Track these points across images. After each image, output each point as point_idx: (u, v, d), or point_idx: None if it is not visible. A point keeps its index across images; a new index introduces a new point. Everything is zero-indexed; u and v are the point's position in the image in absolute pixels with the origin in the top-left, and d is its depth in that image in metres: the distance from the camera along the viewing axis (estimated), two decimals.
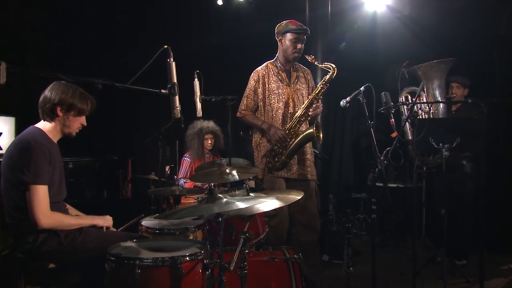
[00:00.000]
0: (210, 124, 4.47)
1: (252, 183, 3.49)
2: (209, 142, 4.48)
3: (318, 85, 3.31)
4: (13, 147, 2.28)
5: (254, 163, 3.43)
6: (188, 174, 4.41)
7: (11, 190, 2.23)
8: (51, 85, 2.35)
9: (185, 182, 4.30)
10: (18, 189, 2.21)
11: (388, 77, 4.07)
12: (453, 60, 4.16)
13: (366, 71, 5.36)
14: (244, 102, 3.44)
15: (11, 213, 2.26)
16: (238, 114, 3.46)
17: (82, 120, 2.44)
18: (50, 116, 2.35)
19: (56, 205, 2.34)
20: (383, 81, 4.07)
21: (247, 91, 3.43)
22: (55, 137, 2.41)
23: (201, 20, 5.85)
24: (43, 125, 2.38)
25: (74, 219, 2.37)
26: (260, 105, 3.40)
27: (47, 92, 2.34)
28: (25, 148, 2.21)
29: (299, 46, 3.33)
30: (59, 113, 2.35)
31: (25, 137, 2.28)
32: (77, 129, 2.45)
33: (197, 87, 2.53)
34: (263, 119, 3.38)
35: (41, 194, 2.19)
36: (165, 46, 2.05)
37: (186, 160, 4.48)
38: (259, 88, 3.38)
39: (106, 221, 2.53)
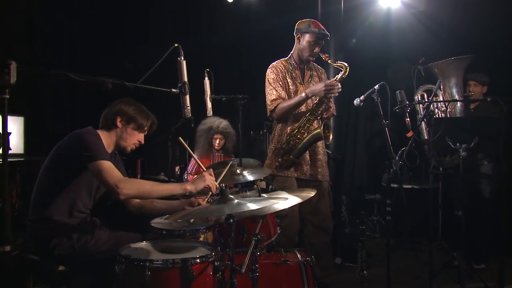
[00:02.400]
0: (222, 124, 4.38)
1: (263, 184, 3.49)
2: (218, 142, 4.44)
3: None
4: (66, 139, 2.31)
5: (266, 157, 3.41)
6: (193, 171, 4.42)
7: (48, 183, 2.27)
8: (119, 100, 2.42)
9: (185, 180, 4.30)
10: (59, 183, 2.24)
11: (391, 74, 4.03)
12: (471, 57, 4.11)
13: (381, 69, 5.34)
14: (274, 93, 3.27)
15: (37, 211, 2.28)
16: (269, 108, 3.28)
17: (140, 137, 2.46)
18: (109, 126, 2.39)
19: (82, 215, 2.37)
20: (398, 79, 4.04)
21: (271, 83, 3.30)
22: (109, 147, 2.39)
23: (211, 18, 5.87)
24: (99, 131, 2.40)
25: (157, 184, 2.30)
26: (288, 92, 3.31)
27: (112, 106, 2.40)
28: (81, 136, 2.25)
29: (316, 49, 3.30)
30: (119, 124, 2.38)
31: (81, 130, 2.31)
32: (132, 145, 2.46)
33: (207, 86, 2.54)
34: None
35: (107, 165, 2.17)
36: (176, 45, 2.06)
37: (194, 155, 4.49)
38: (281, 80, 3.30)
39: (200, 183, 2.32)
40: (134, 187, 2.19)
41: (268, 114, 3.34)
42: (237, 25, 5.70)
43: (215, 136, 4.41)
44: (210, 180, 2.33)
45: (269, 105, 3.30)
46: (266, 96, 3.34)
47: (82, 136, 2.25)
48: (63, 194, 2.28)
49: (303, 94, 3.17)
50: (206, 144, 4.40)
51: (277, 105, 3.25)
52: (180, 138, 2.64)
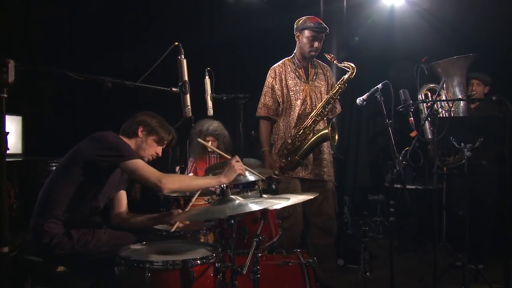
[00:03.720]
0: (213, 126, 4.31)
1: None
2: (210, 144, 4.41)
3: (336, 85, 3.30)
4: (87, 141, 2.34)
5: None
6: (192, 173, 4.42)
7: (63, 183, 2.28)
8: (142, 111, 2.52)
9: None
10: (75, 184, 2.26)
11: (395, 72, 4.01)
12: (474, 56, 4.11)
13: (384, 68, 5.33)
14: (262, 101, 3.44)
15: (44, 210, 2.29)
16: (256, 114, 3.47)
17: (158, 150, 2.53)
18: (130, 134, 2.46)
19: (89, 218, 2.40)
20: (401, 78, 4.04)
21: (265, 89, 3.44)
22: None
23: (212, 16, 5.86)
24: (121, 136, 2.47)
25: (194, 178, 2.43)
26: (280, 102, 3.40)
27: (136, 116, 2.49)
28: (106, 137, 2.29)
29: (316, 44, 3.32)
30: (140, 133, 2.46)
31: (103, 133, 2.35)
32: (150, 156, 2.51)
33: (208, 85, 2.54)
34: (282, 119, 3.39)
35: (141, 164, 2.24)
36: (176, 43, 2.06)
37: (190, 160, 4.49)
38: (276, 85, 3.39)
39: (232, 173, 2.35)
40: (175, 181, 2.27)
41: (256, 115, 3.49)
42: (238, 23, 5.69)
43: (207, 138, 4.38)
44: (239, 167, 2.37)
45: (258, 110, 3.47)
46: (260, 97, 3.48)
47: (107, 138, 2.30)
48: (79, 195, 2.30)
49: (263, 150, 3.40)
50: (198, 148, 4.38)
51: (261, 116, 3.44)
52: (200, 139, 2.87)
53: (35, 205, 2.33)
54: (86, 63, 4.78)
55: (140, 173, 2.21)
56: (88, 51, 4.92)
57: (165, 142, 2.53)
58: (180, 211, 2.60)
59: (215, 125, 4.37)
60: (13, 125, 4.03)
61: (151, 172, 2.22)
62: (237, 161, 2.38)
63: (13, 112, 4.06)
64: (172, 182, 2.23)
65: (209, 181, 2.38)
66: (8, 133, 4.17)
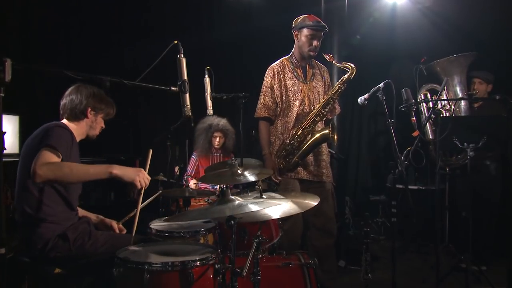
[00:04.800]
0: (222, 122, 4.41)
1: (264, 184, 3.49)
2: (218, 140, 4.44)
3: (335, 85, 3.29)
4: (35, 133, 2.33)
5: None
6: (193, 173, 4.42)
7: (28, 183, 2.25)
8: (75, 87, 2.46)
9: (185, 181, 4.30)
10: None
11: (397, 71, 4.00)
12: (474, 54, 4.10)
13: (386, 66, 5.33)
14: (261, 101, 3.42)
15: (24, 211, 2.27)
16: (255, 114, 3.45)
17: (103, 123, 2.57)
18: (79, 117, 2.46)
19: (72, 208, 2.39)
20: (403, 77, 4.04)
21: (264, 89, 3.42)
22: (78, 137, 2.49)
23: (212, 14, 5.86)
24: (67, 122, 2.46)
25: (79, 166, 2.18)
26: (278, 102, 3.40)
27: (73, 95, 2.45)
28: (49, 128, 2.28)
29: (315, 43, 3.31)
30: (89, 115, 2.47)
31: (48, 124, 2.34)
32: (98, 131, 2.56)
33: (207, 84, 2.54)
34: (280, 119, 3.38)
35: (48, 155, 2.13)
36: (175, 42, 2.05)
37: (193, 158, 4.49)
38: (275, 84, 3.37)
39: (131, 174, 2.20)
40: (50, 169, 2.07)
41: (254, 115, 3.47)
42: (238, 22, 5.70)
43: (215, 134, 4.41)
44: (143, 178, 2.21)
45: (256, 111, 3.44)
46: (259, 97, 3.45)
47: (53, 128, 2.28)
48: (48, 191, 2.28)
49: (264, 153, 3.38)
50: (206, 143, 4.39)
51: (260, 117, 3.41)
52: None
53: (16, 209, 2.31)
54: (85, 62, 4.78)
55: (36, 159, 2.08)
56: (87, 50, 4.92)
57: (111, 116, 2.58)
58: (118, 226, 2.60)
59: (224, 121, 4.42)
60: (10, 125, 4.03)
61: (40, 159, 2.07)
62: (142, 174, 2.23)
63: (10, 112, 4.06)
64: (47, 170, 2.04)
65: (97, 172, 2.15)
66: (5, 132, 4.17)
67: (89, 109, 2.45)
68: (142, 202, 2.45)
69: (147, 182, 2.24)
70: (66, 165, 2.17)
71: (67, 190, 2.35)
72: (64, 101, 2.45)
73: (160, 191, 3.05)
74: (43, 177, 2.05)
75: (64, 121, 2.46)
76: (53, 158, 2.15)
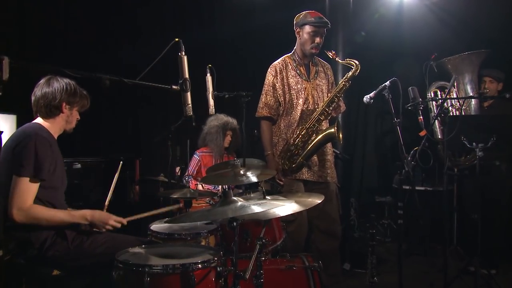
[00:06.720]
0: (233, 121, 4.43)
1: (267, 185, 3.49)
2: (229, 139, 4.47)
3: (340, 82, 3.29)
4: (12, 140, 2.32)
5: None
6: (195, 173, 4.43)
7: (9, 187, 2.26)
8: (46, 80, 2.44)
9: (186, 181, 4.30)
10: None
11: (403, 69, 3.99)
12: (486, 52, 4.09)
13: (392, 64, 5.31)
14: (263, 100, 3.40)
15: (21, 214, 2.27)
16: (257, 113, 3.44)
17: (78, 115, 2.56)
18: (54, 112, 2.43)
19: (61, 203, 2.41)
20: (409, 75, 4.03)
21: (265, 87, 3.41)
22: (55, 134, 2.49)
23: (214, 11, 5.86)
24: (43, 121, 2.45)
25: (54, 217, 2.28)
26: (281, 101, 3.39)
27: (46, 89, 2.42)
28: (26, 141, 2.26)
29: (317, 40, 3.30)
30: (64, 110, 2.45)
31: (26, 130, 2.34)
32: (75, 124, 2.56)
33: (209, 83, 2.54)
34: (283, 119, 3.38)
35: (26, 186, 2.20)
36: (176, 39, 2.06)
37: (195, 157, 4.48)
38: (277, 83, 3.36)
39: (96, 217, 2.36)
40: (28, 219, 2.19)
41: (255, 115, 3.45)
42: (241, 19, 5.69)
43: (227, 132, 4.43)
44: (111, 224, 2.39)
45: (257, 111, 3.43)
46: (260, 96, 3.44)
47: (30, 142, 2.25)
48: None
49: (266, 154, 3.39)
50: (220, 141, 4.39)
51: (262, 116, 3.40)
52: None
53: (8, 211, 2.28)
54: (83, 60, 4.78)
55: (14, 192, 2.17)
56: (86, 48, 4.93)
57: (86, 108, 2.57)
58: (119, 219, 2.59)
59: (235, 121, 4.43)
60: (7, 124, 4.04)
61: (21, 197, 2.17)
62: (115, 220, 2.40)
63: (7, 111, 4.07)
64: (24, 219, 2.17)
65: (70, 219, 2.31)
66: (2, 132, 4.19)
67: (64, 104, 2.43)
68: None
69: (118, 226, 2.41)
70: (44, 218, 2.25)
71: (51, 192, 2.36)
72: (36, 96, 2.44)
73: (180, 205, 3.03)
74: (19, 223, 2.18)
75: (40, 120, 2.45)
76: (33, 188, 2.22)
